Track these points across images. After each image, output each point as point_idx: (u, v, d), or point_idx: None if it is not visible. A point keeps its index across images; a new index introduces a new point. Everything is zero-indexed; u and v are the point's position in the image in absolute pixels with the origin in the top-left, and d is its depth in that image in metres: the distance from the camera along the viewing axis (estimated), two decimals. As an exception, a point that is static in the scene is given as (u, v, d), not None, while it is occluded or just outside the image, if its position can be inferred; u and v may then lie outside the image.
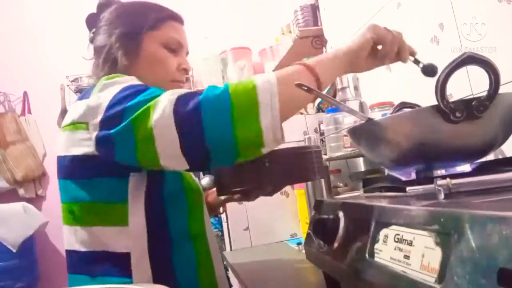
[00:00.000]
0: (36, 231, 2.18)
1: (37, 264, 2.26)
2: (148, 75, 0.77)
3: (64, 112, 2.38)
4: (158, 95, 0.59)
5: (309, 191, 1.12)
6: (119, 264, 0.66)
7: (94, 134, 0.63)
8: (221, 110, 0.55)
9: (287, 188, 1.38)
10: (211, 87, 0.58)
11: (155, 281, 0.66)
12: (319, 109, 1.50)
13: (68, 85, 2.38)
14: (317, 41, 1.70)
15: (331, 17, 1.60)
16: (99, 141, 0.63)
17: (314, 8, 1.69)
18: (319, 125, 1.38)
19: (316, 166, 0.71)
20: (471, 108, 0.48)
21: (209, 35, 2.62)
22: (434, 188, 0.45)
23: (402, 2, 1.10)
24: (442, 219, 0.34)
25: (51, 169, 2.37)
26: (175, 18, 0.85)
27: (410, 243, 0.38)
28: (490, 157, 0.67)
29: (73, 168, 0.69)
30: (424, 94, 1.01)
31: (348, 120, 1.12)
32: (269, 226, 1.36)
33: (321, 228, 0.59)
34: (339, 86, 1.32)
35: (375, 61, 0.72)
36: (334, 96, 1.36)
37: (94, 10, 0.87)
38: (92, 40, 0.87)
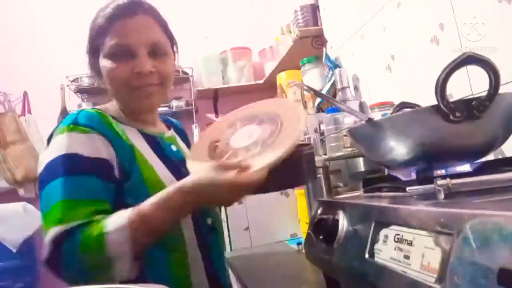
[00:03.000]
0: (36, 231, 2.18)
1: (37, 264, 2.26)
2: (112, 93, 0.79)
3: (64, 112, 2.38)
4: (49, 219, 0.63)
5: (309, 191, 1.12)
6: None
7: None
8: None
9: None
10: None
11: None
12: (319, 109, 1.50)
13: (68, 85, 2.38)
14: (317, 41, 1.70)
15: (331, 17, 1.60)
16: None
17: (314, 8, 1.69)
18: (319, 125, 1.38)
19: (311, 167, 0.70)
20: (471, 108, 0.48)
21: (209, 35, 2.62)
22: (434, 188, 0.45)
23: (402, 2, 1.10)
24: (442, 219, 0.34)
25: (51, 169, 2.37)
26: (119, 16, 0.74)
27: (410, 243, 0.38)
28: (490, 157, 0.67)
29: None
30: (424, 94, 1.01)
31: (348, 120, 1.12)
32: (269, 226, 1.36)
33: (321, 228, 0.59)
34: (339, 86, 1.32)
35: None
36: (334, 96, 1.36)
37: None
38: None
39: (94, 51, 0.78)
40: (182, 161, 0.77)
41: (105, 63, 0.75)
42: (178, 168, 0.77)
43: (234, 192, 0.61)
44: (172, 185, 0.62)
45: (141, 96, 0.75)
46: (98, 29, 0.76)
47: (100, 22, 0.75)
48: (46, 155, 0.68)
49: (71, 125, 0.68)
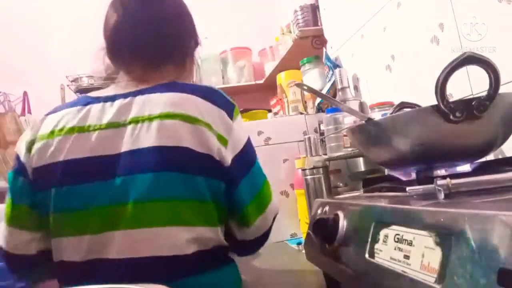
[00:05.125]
0: (36, 231, 2.18)
1: (37, 264, 2.26)
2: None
3: (64, 112, 2.38)
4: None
5: (309, 191, 1.12)
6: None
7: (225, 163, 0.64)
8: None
9: (287, 188, 1.38)
10: None
11: None
12: (319, 109, 1.50)
13: (68, 85, 2.38)
14: (317, 41, 1.70)
15: (331, 17, 1.61)
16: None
17: (314, 8, 1.69)
18: (319, 125, 1.38)
19: None
20: (471, 108, 0.48)
21: (209, 35, 2.61)
22: (434, 188, 0.45)
23: (402, 2, 1.10)
24: (442, 219, 0.34)
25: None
26: None
27: (410, 243, 0.38)
28: (490, 157, 0.67)
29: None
30: (424, 94, 1.01)
31: (348, 120, 1.12)
32: (269, 226, 1.36)
33: (321, 228, 0.59)
34: (339, 86, 1.33)
35: None
36: (334, 96, 1.36)
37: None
38: None
39: (190, 47, 0.82)
40: None
41: (191, 71, 0.83)
42: None
43: None
44: None
45: None
46: (196, 44, 0.85)
47: (198, 41, 0.85)
48: (243, 131, 0.70)
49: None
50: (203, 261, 0.62)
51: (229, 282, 0.68)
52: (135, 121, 0.63)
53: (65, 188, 0.62)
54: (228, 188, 0.66)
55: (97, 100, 0.69)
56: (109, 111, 0.66)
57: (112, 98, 0.69)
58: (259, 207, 0.70)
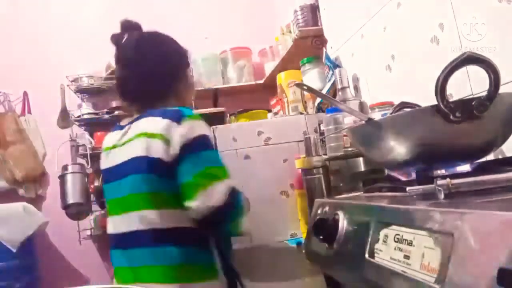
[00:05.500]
0: (36, 231, 2.18)
1: (37, 264, 2.26)
2: (186, 102, 1.07)
3: (64, 112, 2.38)
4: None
5: (309, 191, 1.12)
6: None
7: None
8: (237, 217, 0.92)
9: (287, 188, 1.38)
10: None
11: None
12: (319, 109, 1.50)
13: (68, 85, 2.38)
14: (317, 41, 1.70)
15: (331, 17, 1.60)
16: None
17: (314, 8, 1.69)
18: (319, 125, 1.38)
19: None
20: (471, 108, 0.48)
21: (209, 35, 2.62)
22: (434, 188, 0.45)
23: (402, 2, 1.10)
24: (442, 219, 0.34)
25: (51, 169, 2.37)
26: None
27: (410, 243, 0.38)
28: (490, 157, 0.67)
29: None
30: (424, 94, 1.01)
31: (348, 120, 1.12)
32: (269, 226, 1.36)
33: (321, 228, 0.59)
34: (339, 86, 1.32)
35: None
36: (334, 96, 1.36)
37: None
38: None
39: (185, 66, 1.08)
40: None
41: (192, 82, 1.13)
42: None
43: None
44: None
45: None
46: (186, 57, 1.08)
47: (188, 62, 1.09)
48: (199, 128, 0.91)
49: (198, 115, 0.94)
50: (161, 237, 0.89)
51: (168, 258, 0.88)
52: (127, 141, 0.96)
53: (105, 186, 1.03)
54: (176, 170, 0.88)
55: (120, 127, 1.04)
56: (119, 136, 1.00)
57: (123, 127, 1.03)
58: (198, 183, 0.85)
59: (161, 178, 0.88)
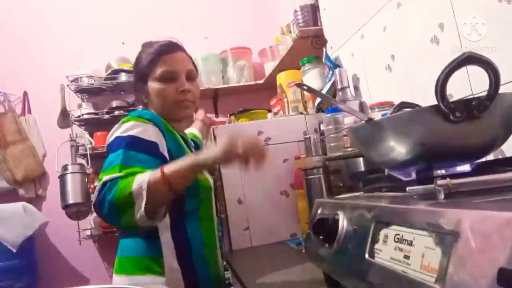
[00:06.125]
0: (36, 231, 2.18)
1: (37, 264, 2.26)
2: (158, 106, 1.03)
3: (64, 112, 2.38)
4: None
5: (309, 191, 1.12)
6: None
7: None
8: (112, 206, 0.81)
9: (287, 188, 1.38)
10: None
11: (178, 250, 0.95)
12: (319, 109, 1.50)
13: (68, 85, 2.38)
14: (317, 41, 1.70)
15: (331, 17, 1.61)
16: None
17: (314, 8, 1.69)
18: (319, 125, 1.38)
19: None
20: (471, 108, 0.48)
21: (209, 35, 2.62)
22: (434, 188, 0.45)
23: (402, 2, 1.10)
24: (442, 219, 0.34)
25: (51, 169, 2.37)
26: (165, 52, 1.03)
27: (410, 243, 0.38)
28: (490, 157, 0.67)
29: None
30: (424, 94, 1.01)
31: (348, 120, 1.12)
32: (269, 226, 1.35)
33: (321, 228, 0.59)
34: (339, 86, 1.32)
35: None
36: (334, 96, 1.36)
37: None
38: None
39: (142, 77, 1.05)
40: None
41: (155, 85, 1.03)
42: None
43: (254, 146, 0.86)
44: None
45: (182, 107, 1.04)
46: (147, 61, 1.04)
47: (149, 56, 1.04)
48: (117, 131, 0.93)
49: (136, 117, 0.94)
50: (121, 231, 1.02)
51: (121, 250, 0.98)
52: None
53: None
54: None
55: None
56: None
57: None
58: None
59: None
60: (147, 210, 0.79)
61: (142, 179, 0.80)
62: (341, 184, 1.23)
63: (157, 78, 1.02)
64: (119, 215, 0.81)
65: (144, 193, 0.79)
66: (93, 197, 0.84)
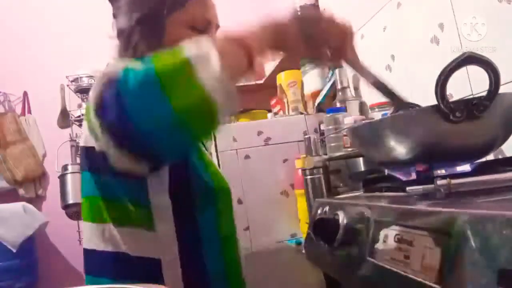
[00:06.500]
0: (36, 231, 2.18)
1: (37, 264, 2.26)
2: None
3: (64, 112, 2.38)
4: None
5: (309, 191, 1.12)
6: (148, 269, 0.64)
7: None
8: (146, 84, 0.44)
9: (287, 188, 1.38)
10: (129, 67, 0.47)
11: (188, 284, 0.64)
12: (319, 109, 1.50)
13: (68, 85, 2.38)
14: (317, 41, 1.70)
15: (331, 17, 1.60)
16: None
17: (314, 8, 1.69)
18: (319, 125, 1.38)
19: None
20: (471, 108, 0.48)
21: (209, 35, 2.61)
22: (434, 188, 0.45)
23: (402, 2, 1.10)
24: (442, 219, 0.34)
25: (51, 169, 2.37)
26: None
27: (410, 243, 0.38)
28: (490, 157, 0.67)
29: (90, 160, 0.65)
30: (424, 94, 1.01)
31: (348, 120, 1.12)
32: (269, 226, 1.36)
33: (321, 228, 0.59)
34: (339, 86, 1.32)
35: (306, 47, 0.58)
36: (334, 96, 1.36)
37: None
38: (115, 16, 0.76)
39: (159, 10, 0.68)
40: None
41: (184, 31, 0.69)
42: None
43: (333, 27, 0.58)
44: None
45: None
46: None
47: None
48: None
49: None
50: None
51: None
52: None
53: None
54: None
55: None
56: None
57: None
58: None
59: None
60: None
61: (199, 43, 0.46)
62: (341, 184, 1.23)
63: (188, 24, 0.69)
64: (162, 94, 0.43)
65: (213, 52, 0.44)
66: (90, 103, 0.47)
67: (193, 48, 0.45)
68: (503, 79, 0.48)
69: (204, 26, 0.71)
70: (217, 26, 0.76)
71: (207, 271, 0.66)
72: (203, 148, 0.75)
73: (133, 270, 0.64)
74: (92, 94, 0.48)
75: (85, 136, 0.65)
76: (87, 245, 0.68)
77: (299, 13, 0.60)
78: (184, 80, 0.43)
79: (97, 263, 0.67)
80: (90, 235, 0.67)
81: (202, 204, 0.67)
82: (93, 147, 0.61)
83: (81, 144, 0.68)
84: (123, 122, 0.44)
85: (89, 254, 0.68)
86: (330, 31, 0.59)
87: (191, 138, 0.50)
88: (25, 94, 2.51)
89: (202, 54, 0.45)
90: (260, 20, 0.55)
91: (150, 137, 0.45)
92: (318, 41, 0.59)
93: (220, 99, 0.44)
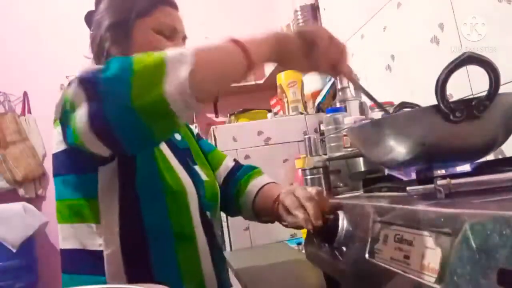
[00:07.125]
0: (36, 231, 2.18)
1: (37, 264, 2.26)
2: None
3: (64, 112, 2.38)
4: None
5: (309, 191, 1.11)
6: (93, 262, 0.67)
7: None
8: (120, 78, 0.50)
9: (287, 188, 1.38)
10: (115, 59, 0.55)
11: (131, 279, 0.66)
12: (319, 109, 1.50)
13: (68, 85, 2.38)
14: (317, 41, 1.70)
15: (331, 17, 1.60)
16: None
17: (314, 8, 1.69)
18: (319, 125, 1.38)
19: None
20: (471, 108, 0.48)
21: (209, 35, 2.61)
22: (434, 188, 0.45)
23: (402, 2, 1.10)
24: (442, 219, 0.34)
25: (51, 169, 2.37)
26: (167, 2, 0.80)
27: (410, 243, 0.38)
28: (490, 157, 0.67)
29: (56, 165, 0.73)
30: (424, 94, 1.01)
31: (348, 120, 1.12)
32: (269, 226, 1.35)
33: (321, 228, 0.59)
34: (339, 86, 1.32)
35: (307, 61, 0.65)
36: (334, 96, 1.36)
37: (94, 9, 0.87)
38: (91, 31, 0.85)
39: (125, 16, 0.76)
40: (187, 150, 0.82)
41: (150, 34, 0.76)
42: (184, 156, 0.79)
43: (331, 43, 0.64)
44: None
45: None
46: (144, 1, 0.77)
47: None
48: None
49: None
50: None
51: None
52: None
53: None
54: None
55: None
56: None
57: None
58: None
59: None
60: (196, 77, 0.49)
61: (185, 49, 0.53)
62: (341, 184, 1.23)
63: (154, 28, 0.76)
64: (128, 84, 0.48)
65: (191, 57, 0.50)
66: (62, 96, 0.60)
67: (173, 53, 0.51)
68: (503, 79, 0.48)
69: (170, 31, 0.78)
70: (185, 37, 0.83)
71: (153, 266, 0.68)
72: (169, 152, 0.76)
73: (79, 263, 0.70)
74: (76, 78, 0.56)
75: (56, 142, 0.70)
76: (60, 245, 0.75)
77: (301, 28, 0.65)
78: (150, 78, 0.49)
79: (64, 260, 0.75)
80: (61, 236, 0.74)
81: (146, 200, 0.69)
82: (65, 149, 0.68)
83: (54, 151, 0.72)
84: (96, 100, 0.51)
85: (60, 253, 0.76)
86: (330, 50, 0.65)
87: (146, 133, 0.53)
88: (25, 94, 2.51)
89: (178, 58, 0.50)
90: (264, 31, 0.61)
91: (110, 121, 0.50)
92: (319, 57, 0.64)
93: (178, 103, 0.49)
